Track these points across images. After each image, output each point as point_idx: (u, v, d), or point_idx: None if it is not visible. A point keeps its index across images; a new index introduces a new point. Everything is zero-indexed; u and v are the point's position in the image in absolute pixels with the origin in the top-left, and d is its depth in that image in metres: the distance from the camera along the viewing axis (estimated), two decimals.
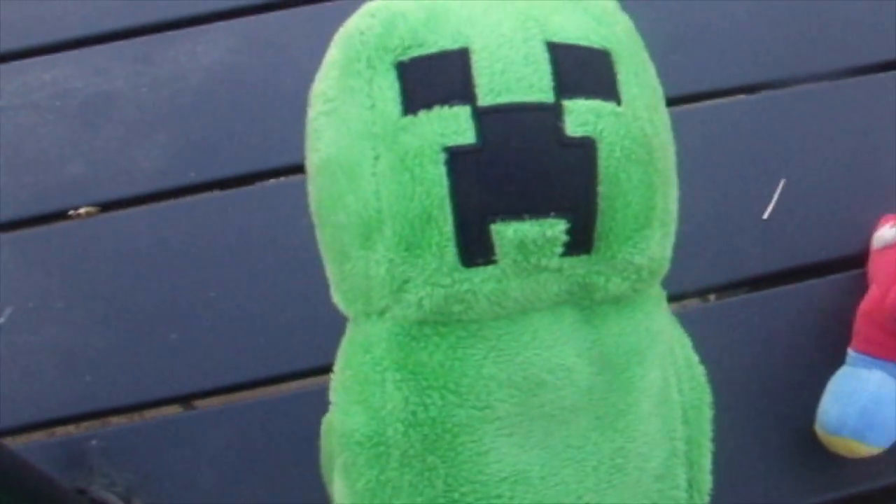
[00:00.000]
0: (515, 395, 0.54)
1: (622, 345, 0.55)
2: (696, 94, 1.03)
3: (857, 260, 0.92)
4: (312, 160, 0.55)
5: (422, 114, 0.50)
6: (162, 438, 0.87)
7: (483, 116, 0.50)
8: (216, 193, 0.98)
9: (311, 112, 0.56)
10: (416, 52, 0.52)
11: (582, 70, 0.52)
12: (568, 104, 0.51)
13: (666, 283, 0.59)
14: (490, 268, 0.51)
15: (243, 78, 1.03)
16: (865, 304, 0.85)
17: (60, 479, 0.80)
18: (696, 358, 0.62)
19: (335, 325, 0.58)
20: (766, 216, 0.96)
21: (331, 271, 0.56)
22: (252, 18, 1.06)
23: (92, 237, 0.96)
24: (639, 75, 0.54)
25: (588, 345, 0.55)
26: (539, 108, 0.50)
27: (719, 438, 0.63)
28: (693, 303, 0.98)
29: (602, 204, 0.51)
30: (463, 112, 0.50)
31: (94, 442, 0.86)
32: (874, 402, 0.80)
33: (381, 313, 0.54)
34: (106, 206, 0.97)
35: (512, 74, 0.51)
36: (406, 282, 0.52)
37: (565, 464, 0.55)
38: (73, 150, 0.99)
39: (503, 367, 0.53)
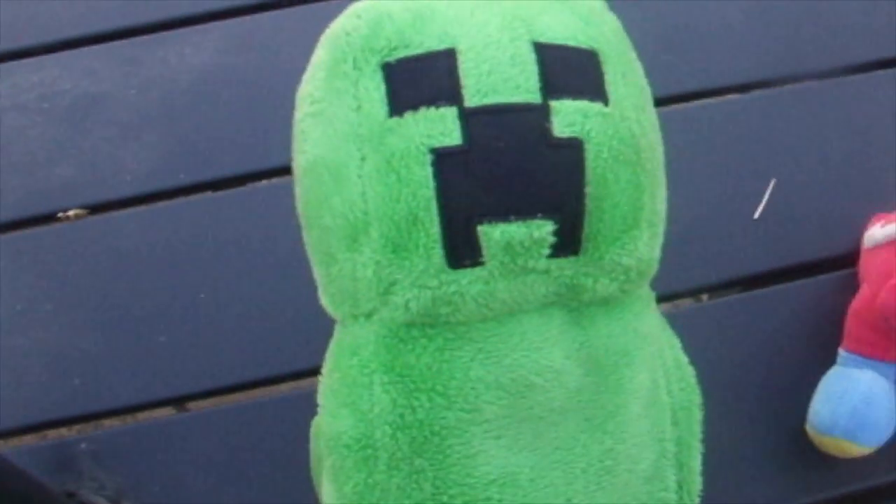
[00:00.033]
0: (503, 398, 0.53)
1: (611, 346, 0.55)
2: (687, 93, 1.03)
3: (848, 259, 0.92)
4: (299, 162, 0.55)
5: (408, 115, 0.50)
6: (152, 441, 0.87)
7: (470, 117, 0.50)
8: (205, 195, 0.98)
9: (298, 113, 0.55)
10: (402, 53, 0.52)
11: (569, 70, 0.52)
12: (555, 105, 0.51)
13: (657, 283, 0.59)
14: (477, 269, 0.51)
15: (232, 79, 1.03)
16: (856, 304, 0.85)
17: (49, 483, 0.80)
18: (685, 359, 0.61)
19: (327, 326, 0.58)
20: (756, 216, 0.96)
21: (318, 273, 0.56)
22: (241, 19, 1.06)
23: (81, 239, 0.95)
24: (626, 75, 0.54)
25: (576, 346, 0.55)
26: (526, 108, 0.50)
27: (710, 439, 0.62)
28: (686, 302, 0.98)
29: (590, 205, 0.51)
30: (449, 113, 0.50)
31: (83, 445, 0.86)
32: (865, 402, 0.80)
33: (369, 315, 0.53)
34: (95, 209, 0.97)
35: (499, 75, 0.50)
36: (393, 284, 0.51)
37: (554, 466, 0.55)
38: (61, 152, 0.99)
39: (491, 369, 0.53)
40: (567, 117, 0.50)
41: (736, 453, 0.86)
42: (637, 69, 0.56)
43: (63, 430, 0.90)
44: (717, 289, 0.97)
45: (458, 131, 0.50)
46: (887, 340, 0.82)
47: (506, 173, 0.50)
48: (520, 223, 0.50)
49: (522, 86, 0.50)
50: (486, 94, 0.50)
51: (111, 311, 0.92)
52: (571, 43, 0.53)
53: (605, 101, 0.52)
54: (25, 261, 0.94)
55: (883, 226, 0.87)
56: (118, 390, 0.89)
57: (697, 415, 0.61)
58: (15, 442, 0.88)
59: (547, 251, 0.51)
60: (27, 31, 1.05)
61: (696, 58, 1.04)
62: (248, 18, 1.06)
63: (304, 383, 0.89)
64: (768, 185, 0.97)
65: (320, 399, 0.57)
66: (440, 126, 0.50)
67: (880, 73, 1.04)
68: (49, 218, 0.97)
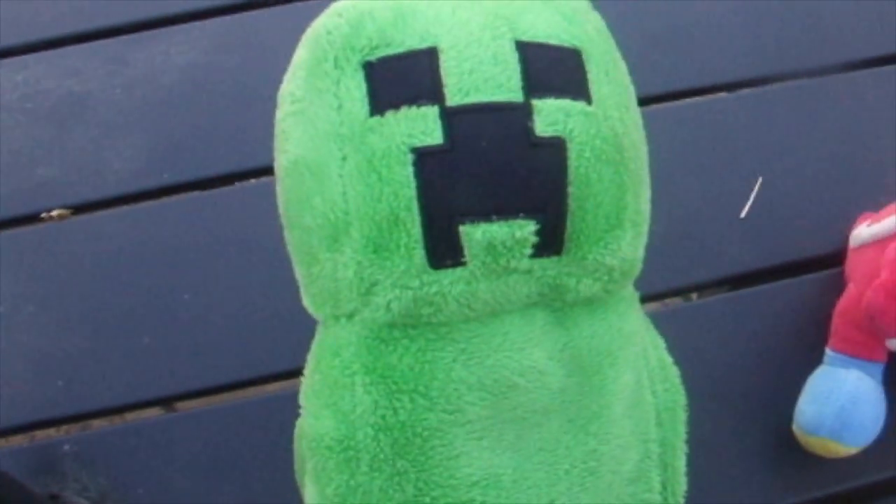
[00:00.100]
0: (486, 398, 0.53)
1: (594, 347, 0.55)
2: (674, 92, 1.03)
3: (835, 259, 0.92)
4: (280, 161, 0.55)
5: (389, 114, 0.50)
6: (137, 443, 0.87)
7: (451, 117, 0.49)
8: (190, 195, 0.97)
9: (279, 113, 0.55)
10: (383, 52, 0.51)
11: (552, 69, 0.52)
12: (537, 104, 0.50)
13: (643, 282, 0.59)
14: (459, 270, 0.51)
15: (218, 78, 1.02)
16: (842, 304, 0.85)
17: (32, 485, 0.79)
18: (669, 359, 0.61)
19: (314, 326, 0.58)
20: (743, 215, 0.96)
21: (299, 274, 0.56)
22: (226, 18, 1.06)
23: (65, 240, 0.95)
24: (610, 74, 0.54)
25: (560, 347, 0.55)
26: (508, 107, 0.50)
27: (696, 438, 0.62)
28: (673, 301, 0.98)
29: (572, 204, 0.51)
30: (431, 112, 0.49)
31: (66, 447, 0.85)
32: (851, 401, 0.80)
33: (350, 316, 0.53)
34: (79, 209, 0.97)
35: (480, 74, 0.50)
36: (374, 284, 0.51)
37: (537, 467, 0.55)
38: (45, 152, 0.98)
39: (473, 369, 0.53)
40: (549, 116, 0.50)
41: (722, 453, 0.86)
42: (621, 68, 0.56)
43: (48, 432, 0.89)
44: (703, 288, 0.97)
45: (439, 130, 0.49)
46: (873, 340, 0.82)
47: (488, 173, 0.49)
48: (502, 223, 0.50)
49: (504, 85, 0.50)
50: (467, 92, 0.50)
51: (96, 311, 0.91)
52: (554, 41, 0.52)
53: (588, 100, 0.52)
54: (8, 261, 0.93)
55: (869, 225, 0.87)
56: (104, 391, 0.88)
57: (682, 415, 0.61)
58: None
59: (529, 251, 0.51)
60: (10, 30, 1.04)
61: (683, 56, 1.04)
62: (233, 17, 1.06)
63: (290, 384, 0.88)
64: (755, 184, 0.97)
65: (302, 400, 0.57)
66: (421, 125, 0.49)
67: (868, 71, 1.04)
68: (33, 218, 0.96)
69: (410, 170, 0.49)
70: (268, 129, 0.57)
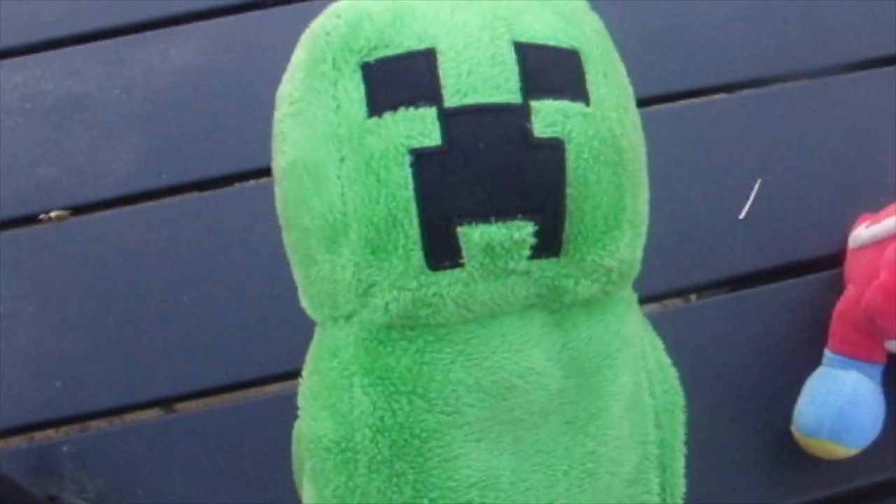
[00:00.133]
0: (484, 400, 0.53)
1: (592, 348, 0.55)
2: (673, 93, 1.03)
3: (834, 260, 0.92)
4: (278, 162, 0.55)
5: (387, 115, 0.50)
6: (135, 444, 0.87)
7: (449, 118, 0.49)
8: (188, 196, 0.97)
9: (277, 114, 0.55)
10: (381, 53, 0.51)
11: (550, 70, 0.52)
12: (535, 105, 0.50)
13: (642, 283, 0.59)
14: (457, 271, 0.51)
15: (216, 79, 1.02)
16: (842, 305, 0.85)
17: (31, 486, 0.79)
18: (668, 360, 0.61)
19: (312, 328, 0.58)
20: (742, 216, 0.96)
21: (297, 275, 0.56)
22: (225, 19, 1.05)
23: (63, 241, 0.95)
24: (608, 75, 0.54)
25: (558, 348, 0.54)
26: (506, 109, 0.50)
27: (695, 440, 0.62)
28: (672, 303, 0.98)
29: (570, 206, 0.51)
30: (429, 113, 0.49)
31: (65, 448, 0.85)
32: (850, 403, 0.80)
33: (348, 317, 0.53)
34: (77, 210, 0.96)
35: (479, 75, 0.50)
36: (372, 286, 0.51)
37: (535, 469, 0.55)
38: (43, 153, 0.98)
39: (472, 371, 0.53)
40: (548, 117, 0.50)
41: (721, 455, 0.86)
42: (619, 69, 0.56)
43: (46, 433, 0.89)
44: (702, 289, 0.96)
45: (437, 132, 0.49)
46: (872, 341, 0.82)
47: (486, 174, 0.49)
48: (500, 224, 0.50)
49: (503, 86, 0.50)
50: (465, 94, 0.50)
51: (95, 312, 0.91)
52: (552, 42, 0.52)
53: (587, 101, 0.52)
54: (7, 262, 0.93)
55: (868, 226, 0.87)
56: (102, 392, 0.88)
57: (680, 416, 0.61)
58: None
59: (527, 252, 0.51)
60: (9, 30, 1.04)
61: (682, 57, 1.04)
62: (232, 18, 1.05)
63: (289, 385, 0.88)
64: (754, 185, 0.97)
65: (300, 401, 0.56)
66: (420, 126, 0.49)
67: (868, 72, 1.04)
68: (31, 219, 0.96)
69: (408, 171, 0.49)
70: (266, 130, 0.57)
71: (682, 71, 1.04)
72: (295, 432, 0.60)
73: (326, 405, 0.54)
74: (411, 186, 0.49)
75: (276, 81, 0.56)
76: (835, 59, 1.05)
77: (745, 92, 1.04)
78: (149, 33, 1.04)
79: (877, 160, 0.99)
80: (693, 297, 0.99)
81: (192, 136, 0.99)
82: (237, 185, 0.98)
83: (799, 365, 0.86)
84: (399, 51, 0.51)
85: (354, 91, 0.51)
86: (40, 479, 0.84)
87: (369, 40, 0.51)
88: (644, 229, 0.56)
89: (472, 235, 0.49)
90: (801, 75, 1.04)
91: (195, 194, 0.97)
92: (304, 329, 0.58)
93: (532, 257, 0.51)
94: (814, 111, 1.02)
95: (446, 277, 0.51)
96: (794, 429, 0.83)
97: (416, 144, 0.49)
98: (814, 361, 0.85)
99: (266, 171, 0.59)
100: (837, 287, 0.88)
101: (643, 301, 0.61)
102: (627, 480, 0.57)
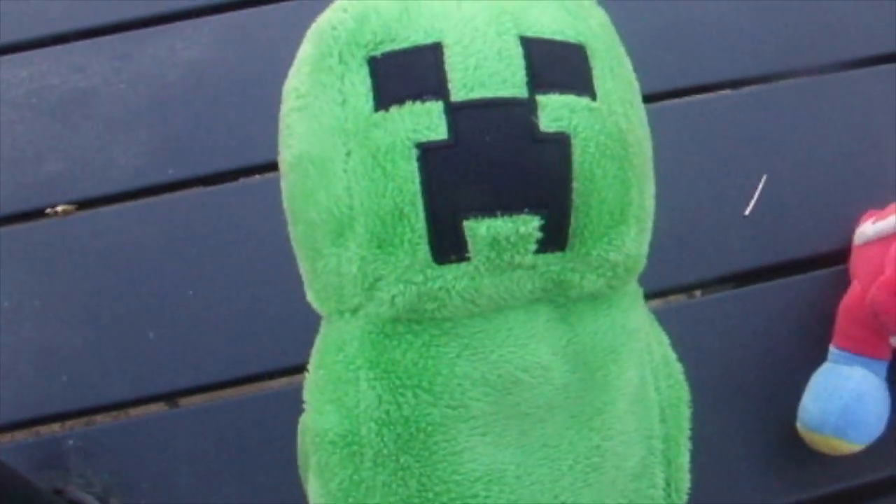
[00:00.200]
0: (490, 394, 0.53)
1: (598, 342, 0.55)
2: (679, 89, 1.03)
3: (840, 256, 0.92)
4: (285, 156, 0.55)
5: (394, 109, 0.50)
6: (141, 438, 0.87)
7: (456, 112, 0.49)
8: (194, 191, 0.97)
9: (284, 108, 0.55)
10: (388, 47, 0.51)
11: (556, 65, 0.52)
12: (542, 99, 0.50)
13: (647, 279, 0.59)
14: (463, 265, 0.51)
15: (223, 74, 1.02)
16: (847, 301, 0.85)
17: (36, 480, 0.79)
18: (673, 355, 0.61)
19: (317, 322, 0.58)
20: (748, 212, 0.96)
21: (304, 269, 0.56)
22: (231, 14, 1.05)
23: (69, 235, 0.95)
24: (614, 70, 0.54)
25: (563, 343, 0.55)
26: (512, 103, 0.50)
27: (700, 435, 0.62)
28: (677, 299, 0.97)
29: (576, 200, 0.51)
30: (435, 107, 0.50)
31: (71, 442, 0.85)
32: (855, 399, 0.80)
33: (354, 311, 0.53)
34: (83, 204, 0.97)
35: (485, 69, 0.50)
36: (378, 279, 0.51)
37: (541, 463, 0.55)
38: (50, 148, 0.98)
39: (477, 365, 0.53)
40: (554, 112, 0.50)
41: (725, 450, 0.86)
42: (625, 64, 0.56)
43: (52, 427, 0.90)
44: (707, 285, 0.96)
45: (444, 126, 0.49)
46: (877, 337, 0.82)
47: (492, 168, 0.49)
48: (506, 218, 0.50)
49: (509, 80, 0.50)
50: (472, 88, 0.50)
51: (100, 306, 0.91)
52: (559, 37, 0.52)
53: (593, 96, 0.52)
54: (13, 257, 0.94)
55: (874, 222, 0.87)
56: (107, 386, 0.88)
57: (685, 411, 0.61)
58: (3, 438, 0.88)
59: (533, 247, 0.51)
60: (15, 25, 1.04)
61: (688, 53, 1.04)
62: (238, 13, 1.06)
63: (294, 379, 0.88)
64: (759, 181, 0.97)
65: (306, 395, 0.57)
66: (426, 120, 0.49)
67: (873, 69, 1.04)
68: (37, 213, 0.96)
69: (415, 165, 0.49)
70: (273, 124, 0.57)
71: (687, 67, 1.04)
72: (300, 426, 0.60)
73: (332, 399, 0.54)
74: (417, 180, 0.49)
75: (282, 76, 0.56)
76: (840, 56, 1.05)
77: (751, 88, 1.04)
78: (155, 28, 1.05)
79: (882, 156, 0.98)
80: (697, 293, 0.99)
81: (199, 131, 0.99)
82: (243, 180, 0.98)
83: (804, 361, 0.86)
84: (405, 45, 0.51)
85: (361, 85, 0.51)
86: (46, 473, 0.84)
87: (376, 35, 0.51)
88: (650, 224, 0.56)
89: (479, 229, 0.50)
90: (807, 72, 1.04)
91: (201, 189, 0.97)
92: (309, 323, 0.58)
93: (538, 251, 0.51)
94: (819, 107, 1.02)
95: (452, 271, 0.51)
96: (798, 425, 0.83)
97: (423, 138, 0.49)
98: (819, 357, 0.85)
99: (272, 166, 0.59)
100: (843, 283, 0.88)
101: (647, 297, 0.61)
102: (632, 475, 0.57)
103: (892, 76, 1.03)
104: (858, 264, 0.88)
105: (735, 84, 1.04)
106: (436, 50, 0.51)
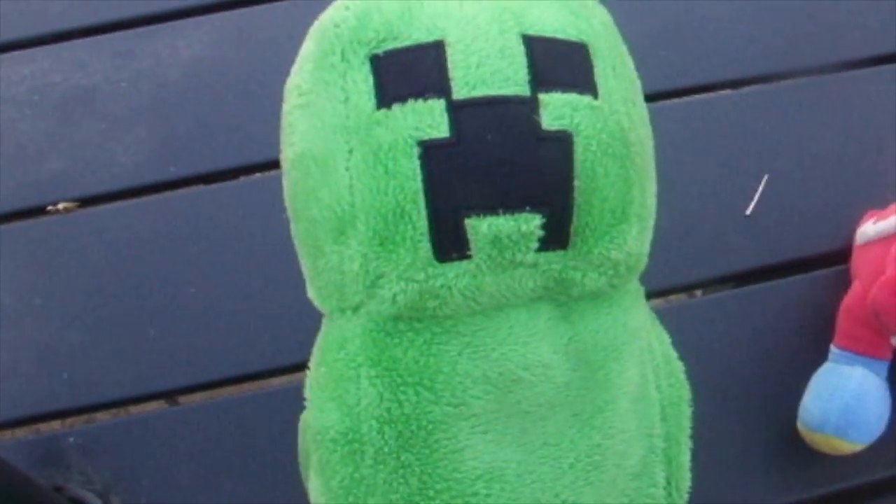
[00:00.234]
0: (491, 392, 0.53)
1: (599, 341, 0.55)
2: (680, 89, 1.03)
3: (841, 256, 0.92)
4: (287, 154, 0.55)
5: (396, 107, 0.50)
6: (142, 436, 0.87)
7: (458, 110, 0.49)
8: (196, 188, 0.97)
9: (286, 105, 0.55)
10: (390, 45, 0.51)
11: (558, 63, 0.52)
12: (544, 98, 0.50)
13: (648, 279, 0.59)
14: (465, 263, 0.51)
15: (224, 72, 1.02)
16: (848, 301, 0.85)
17: (37, 477, 0.79)
18: (674, 354, 0.61)
19: (318, 320, 0.58)
20: (749, 212, 0.96)
21: (305, 266, 0.56)
22: (233, 13, 1.06)
23: (71, 233, 0.95)
24: (616, 68, 0.54)
25: (565, 341, 0.55)
26: (515, 101, 0.50)
27: (701, 435, 0.62)
28: (678, 298, 0.98)
29: (578, 198, 0.51)
30: (437, 105, 0.50)
31: (71, 439, 0.85)
32: (856, 398, 0.80)
33: (356, 309, 0.53)
34: (85, 202, 0.97)
35: (487, 67, 0.50)
36: (380, 277, 0.51)
37: (542, 461, 0.55)
38: (51, 145, 0.98)
39: (478, 363, 0.53)
40: (556, 110, 0.50)
41: (726, 450, 0.86)
42: (627, 62, 0.56)
43: (52, 424, 0.90)
44: (707, 285, 0.96)
45: (446, 124, 0.49)
46: (878, 337, 0.82)
47: (494, 166, 0.49)
48: (508, 216, 0.50)
49: (511, 78, 0.50)
50: (474, 86, 0.50)
51: (101, 304, 0.91)
52: (561, 36, 0.52)
53: (595, 95, 0.52)
54: (15, 254, 0.94)
55: (875, 222, 0.87)
56: (108, 384, 0.88)
57: (686, 410, 0.61)
58: (3, 435, 0.88)
59: (535, 245, 0.51)
60: (17, 23, 1.04)
61: (689, 53, 1.04)
62: (240, 11, 1.06)
63: (295, 377, 0.88)
64: (761, 181, 0.97)
65: (307, 393, 0.57)
66: (428, 118, 0.49)
67: (874, 69, 1.04)
68: (39, 211, 0.96)
69: (417, 163, 0.49)
70: (275, 122, 0.57)
71: (687, 67, 1.04)
72: (301, 424, 0.60)
73: (333, 396, 0.54)
74: (419, 178, 0.49)
75: (284, 74, 0.56)
76: (841, 56, 1.05)
77: (752, 88, 1.04)
78: (157, 26, 1.05)
79: (883, 156, 0.98)
80: (698, 292, 0.99)
81: (200, 129, 0.99)
82: (244, 178, 0.98)
83: (804, 361, 0.86)
84: (408, 43, 0.51)
85: (363, 83, 0.51)
86: (46, 471, 0.84)
87: (378, 32, 0.51)
88: (652, 223, 0.56)
89: (480, 227, 0.50)
90: (808, 72, 1.04)
91: (202, 187, 0.98)
92: (310, 321, 0.58)
93: (539, 250, 0.51)
94: (820, 107, 1.02)
95: (454, 269, 0.51)
96: (799, 424, 0.83)
97: (425, 136, 0.49)
98: (819, 357, 0.85)
99: (273, 164, 0.59)
100: (844, 283, 0.88)
101: (648, 296, 0.61)
102: (633, 473, 0.57)
103: (893, 76, 1.03)
104: (859, 264, 0.88)
105: (736, 84, 1.04)
106: (438, 48, 0.51)
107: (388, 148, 0.50)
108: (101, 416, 0.89)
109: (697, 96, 1.03)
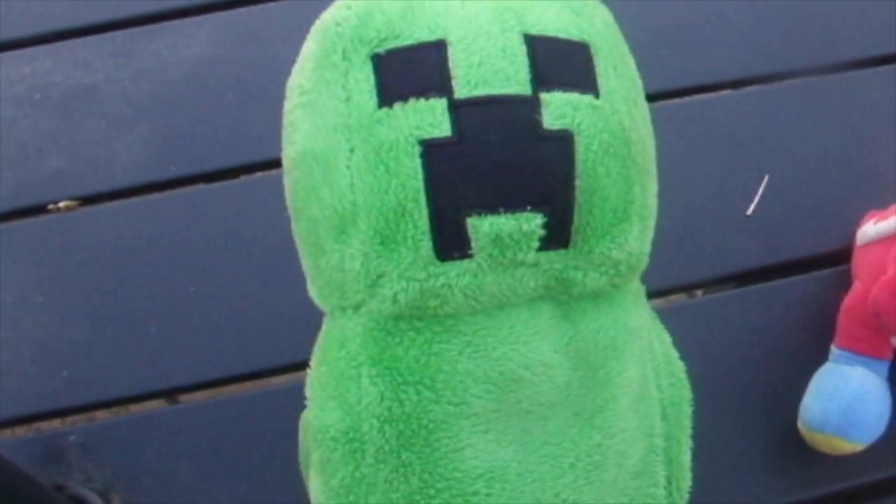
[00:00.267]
0: (492, 391, 0.53)
1: (600, 340, 0.55)
2: (681, 89, 1.03)
3: (841, 256, 0.92)
4: (288, 153, 0.55)
5: (397, 106, 0.50)
6: (142, 434, 0.87)
7: (459, 109, 0.49)
8: (197, 187, 0.97)
9: (287, 104, 0.55)
10: (392, 44, 0.51)
11: (560, 62, 0.52)
12: (545, 97, 0.50)
13: (649, 279, 0.59)
14: (466, 262, 0.51)
15: (225, 71, 1.02)
16: (848, 301, 0.85)
17: (38, 476, 0.79)
18: (675, 354, 0.61)
19: (319, 319, 0.58)
20: (749, 212, 0.96)
21: (306, 265, 0.56)
22: (234, 12, 1.06)
23: (72, 231, 0.95)
24: (617, 68, 0.54)
25: (566, 340, 0.55)
26: (516, 100, 0.50)
27: (701, 434, 0.62)
28: (678, 298, 0.98)
29: (579, 198, 0.51)
30: (439, 104, 0.50)
31: (72, 438, 0.85)
32: (857, 398, 0.80)
33: (357, 308, 0.53)
34: (86, 200, 0.97)
35: (489, 67, 0.50)
36: (381, 276, 0.51)
37: (542, 460, 0.55)
38: (52, 144, 0.98)
39: (479, 362, 0.53)
40: (557, 110, 0.50)
41: (726, 449, 0.85)
42: (629, 62, 0.56)
43: (53, 423, 0.90)
44: (708, 285, 0.96)
45: (447, 123, 0.49)
46: (879, 337, 0.82)
47: (495, 165, 0.49)
48: (509, 216, 0.50)
49: (513, 77, 0.50)
50: (476, 85, 0.50)
51: (102, 303, 0.91)
52: (562, 35, 0.52)
53: (596, 94, 0.52)
54: (16, 252, 0.94)
55: (876, 223, 0.87)
56: (109, 382, 0.88)
57: (687, 410, 0.61)
58: (4, 434, 0.88)
59: (536, 244, 0.51)
60: (18, 22, 1.04)
61: (690, 53, 1.04)
62: (241, 11, 1.06)
63: (296, 376, 0.87)
64: (761, 181, 0.97)
65: (308, 392, 0.57)
66: (429, 117, 0.49)
67: (875, 69, 1.04)
68: (40, 209, 0.96)
69: (418, 162, 0.49)
70: (276, 121, 0.57)
71: (688, 67, 1.04)
72: (302, 423, 0.60)
73: (334, 395, 0.54)
74: (421, 177, 0.49)
75: (285, 73, 0.56)
76: (842, 56, 1.05)
77: (753, 88, 1.04)
78: (158, 25, 1.05)
79: (884, 157, 0.98)
80: (699, 292, 0.99)
81: (201, 128, 0.99)
82: (244, 177, 0.98)
83: (805, 361, 0.86)
84: (409, 42, 0.51)
85: (365, 82, 0.51)
86: (47, 469, 0.84)
87: (380, 31, 0.52)
88: (653, 222, 0.56)
89: (482, 226, 0.50)
90: (809, 72, 1.04)
91: (203, 186, 0.98)
92: (309, 321, 0.58)
93: (541, 249, 0.51)
94: (821, 107, 1.02)
95: (455, 268, 0.51)
96: (800, 424, 0.83)
97: (426, 135, 0.49)
98: (820, 357, 0.85)
99: (274, 163, 0.59)
100: (844, 283, 0.88)
101: (649, 296, 0.61)
102: (634, 473, 0.57)
103: (894, 76, 1.03)
104: (860, 264, 0.88)
105: (737, 84, 1.04)
106: (439, 47, 0.51)
107: (390, 147, 0.50)
108: (102, 415, 0.89)
109: (698, 96, 1.03)
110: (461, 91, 0.50)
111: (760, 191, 0.96)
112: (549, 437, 0.55)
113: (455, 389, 0.53)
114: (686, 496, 0.61)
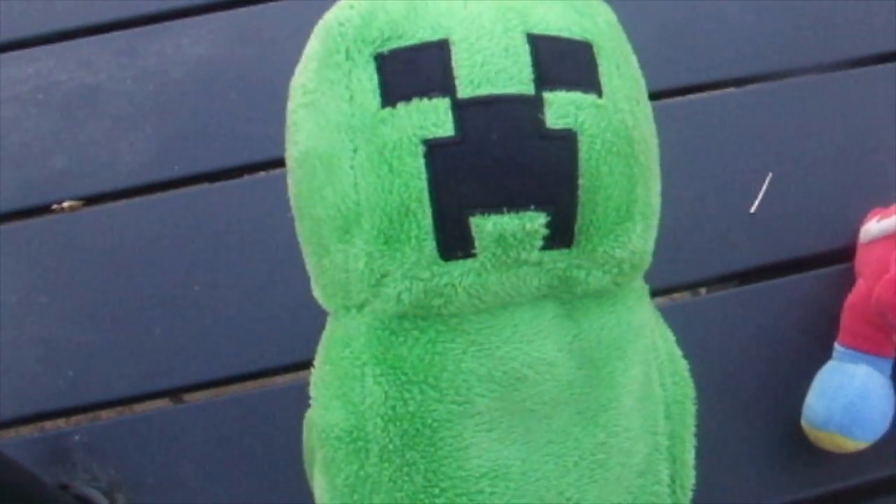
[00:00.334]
0: (496, 390, 0.53)
1: (603, 339, 0.55)
2: (684, 87, 1.03)
3: (845, 254, 0.92)
4: (291, 153, 0.55)
5: (401, 106, 0.50)
6: (146, 434, 0.87)
7: (462, 109, 0.49)
8: (200, 187, 0.97)
9: (291, 104, 0.55)
10: (395, 44, 0.51)
11: (562, 62, 0.52)
12: (548, 96, 0.50)
13: (652, 277, 0.59)
14: (469, 261, 0.51)
15: (229, 71, 1.02)
16: (852, 299, 0.85)
17: (43, 475, 0.79)
18: (679, 352, 0.61)
19: (324, 319, 0.58)
20: (753, 210, 0.96)
21: (310, 265, 0.56)
22: (238, 11, 1.06)
23: (75, 231, 0.95)
24: (620, 67, 0.54)
25: (569, 339, 0.55)
26: (519, 100, 0.50)
27: (705, 433, 0.62)
28: (682, 296, 0.98)
29: (583, 197, 0.51)
30: (442, 104, 0.50)
31: (76, 437, 0.86)
32: (860, 396, 0.80)
33: (361, 307, 0.53)
34: (90, 200, 0.97)
35: (492, 66, 0.50)
36: (385, 275, 0.51)
37: (546, 459, 0.55)
38: (56, 144, 0.99)
39: (483, 361, 0.53)
40: (560, 109, 0.50)
41: (730, 448, 0.86)
42: (632, 61, 0.56)
43: (58, 422, 0.90)
44: (711, 283, 0.97)
45: (450, 122, 0.49)
46: (882, 335, 0.82)
47: (498, 165, 0.49)
48: (512, 215, 0.50)
49: (516, 77, 0.50)
50: (479, 85, 0.50)
51: (106, 302, 0.92)
52: (565, 34, 0.52)
53: (599, 93, 0.52)
54: (20, 252, 0.94)
55: (879, 220, 0.87)
56: (113, 382, 0.89)
57: (690, 408, 0.61)
58: (9, 433, 0.88)
59: (540, 243, 0.51)
60: (22, 22, 1.05)
61: (693, 51, 1.04)
62: (244, 10, 1.06)
63: (300, 375, 0.88)
64: (765, 179, 0.97)
65: (312, 391, 0.57)
66: (433, 117, 0.49)
67: (878, 67, 1.04)
68: (44, 209, 0.97)
69: (421, 161, 0.49)
70: (279, 121, 0.57)
71: (691, 65, 1.04)
72: (306, 422, 0.60)
73: (338, 394, 0.54)
74: (424, 177, 0.49)
75: (288, 73, 0.56)
76: (845, 54, 1.05)
77: (755, 86, 1.04)
78: (162, 25, 1.05)
79: (887, 155, 0.98)
80: (702, 290, 0.99)
81: (204, 128, 0.99)
82: (248, 177, 0.98)
83: (809, 359, 0.86)
84: (413, 42, 0.51)
85: (368, 82, 0.51)
86: (52, 468, 0.84)
87: (383, 31, 0.52)
88: (656, 221, 0.56)
89: (485, 226, 0.50)
90: (811, 70, 1.04)
91: (206, 185, 0.98)
92: (313, 320, 0.58)
93: (544, 248, 0.51)
94: (824, 106, 1.02)
95: (459, 268, 0.51)
96: (803, 422, 0.83)
97: (430, 135, 0.49)
98: (824, 355, 0.86)
99: (277, 163, 0.59)
100: (848, 281, 0.88)
101: (652, 294, 0.61)
102: (637, 471, 0.57)
103: None
104: (863, 262, 0.88)
105: (739, 82, 1.04)
106: (442, 47, 0.51)
107: (393, 147, 0.50)
108: (106, 414, 0.90)
109: (701, 94, 1.04)
110: (464, 91, 0.50)
111: (764, 189, 0.96)
112: (552, 436, 0.55)
113: (459, 388, 0.53)
114: (690, 494, 0.61)
